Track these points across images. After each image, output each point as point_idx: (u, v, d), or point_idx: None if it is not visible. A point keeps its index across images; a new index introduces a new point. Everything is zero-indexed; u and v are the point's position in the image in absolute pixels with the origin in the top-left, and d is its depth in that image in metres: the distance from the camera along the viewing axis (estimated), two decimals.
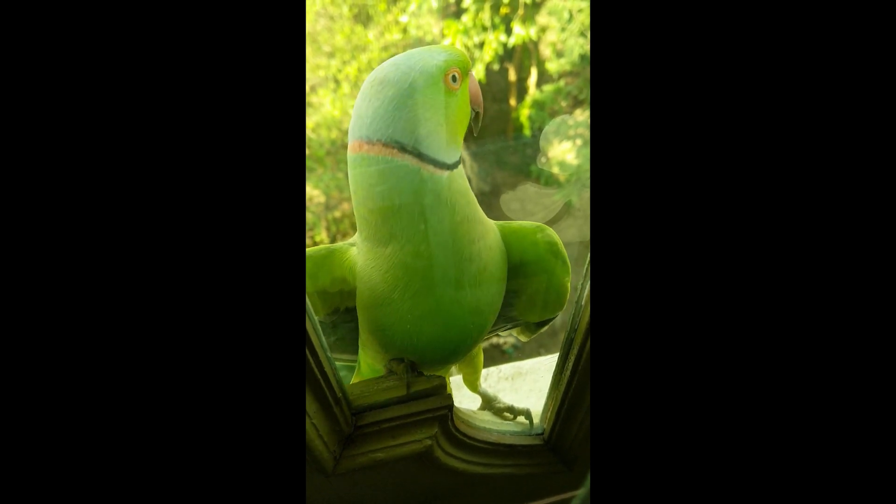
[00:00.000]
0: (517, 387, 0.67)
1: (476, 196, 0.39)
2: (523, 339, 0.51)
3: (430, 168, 0.34)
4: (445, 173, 0.35)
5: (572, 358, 0.42)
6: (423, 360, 0.43)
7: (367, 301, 0.39)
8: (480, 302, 0.40)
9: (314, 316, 0.35)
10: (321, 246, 0.40)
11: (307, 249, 0.40)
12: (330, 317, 0.43)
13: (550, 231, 0.44)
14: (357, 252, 0.39)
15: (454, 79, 0.35)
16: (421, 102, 0.33)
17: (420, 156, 0.33)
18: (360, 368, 0.48)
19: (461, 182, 0.36)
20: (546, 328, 0.49)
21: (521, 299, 0.44)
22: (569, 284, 0.44)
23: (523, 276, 0.43)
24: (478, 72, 2.85)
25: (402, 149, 0.33)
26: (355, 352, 0.48)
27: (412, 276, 0.37)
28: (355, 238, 0.40)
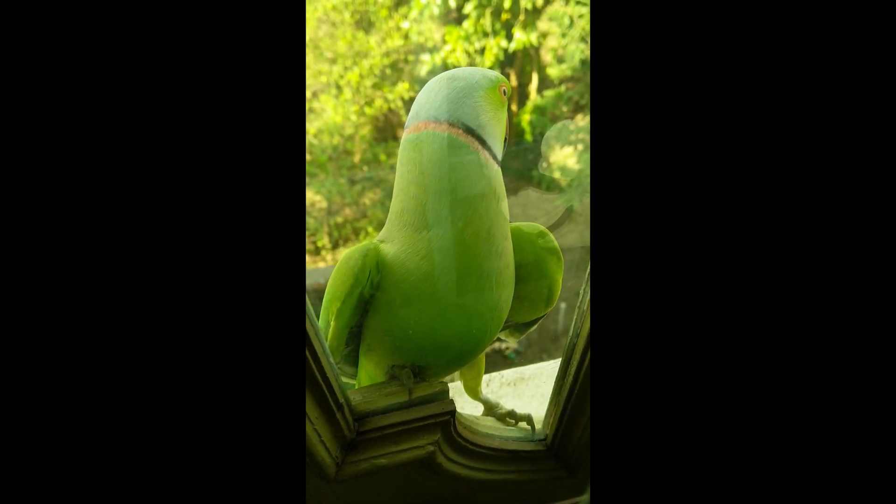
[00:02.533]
0: (519, 392, 0.67)
1: None
2: (512, 341, 0.51)
3: (487, 155, 0.37)
4: (496, 165, 0.38)
5: (574, 363, 0.42)
6: (437, 362, 0.43)
7: (393, 296, 0.39)
8: (500, 299, 0.41)
9: (316, 321, 0.35)
10: (360, 245, 0.40)
11: (348, 250, 0.40)
12: (357, 326, 0.43)
13: (548, 233, 0.44)
14: (388, 247, 0.39)
15: (504, 92, 0.40)
16: (484, 97, 0.38)
17: (481, 141, 0.37)
18: (360, 380, 0.48)
19: (501, 179, 0.39)
20: (536, 328, 0.50)
21: (518, 300, 0.44)
22: (561, 280, 0.46)
23: (523, 277, 0.43)
24: None
25: (468, 130, 0.36)
26: (356, 364, 0.48)
27: (449, 263, 0.37)
28: (384, 234, 0.40)
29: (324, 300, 0.42)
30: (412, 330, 0.40)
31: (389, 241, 0.39)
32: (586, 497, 0.39)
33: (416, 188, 0.37)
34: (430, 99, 0.38)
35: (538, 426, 0.50)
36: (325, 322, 0.41)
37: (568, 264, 0.46)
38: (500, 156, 0.39)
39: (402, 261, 0.38)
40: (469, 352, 0.44)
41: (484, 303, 0.40)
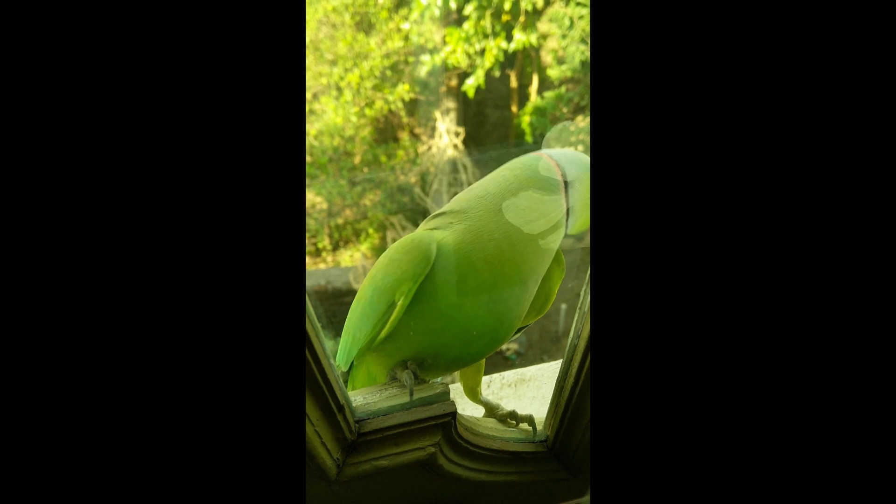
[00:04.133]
0: (520, 393, 0.67)
1: None
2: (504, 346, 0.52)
3: (564, 218, 0.42)
4: (564, 228, 0.43)
5: (575, 364, 0.42)
6: (453, 358, 0.44)
7: (440, 282, 0.40)
8: (529, 295, 0.43)
9: (316, 322, 0.35)
10: (421, 231, 0.41)
11: (407, 236, 0.41)
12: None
13: None
14: (442, 234, 0.41)
15: None
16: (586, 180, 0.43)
17: (568, 212, 0.42)
18: (355, 378, 0.49)
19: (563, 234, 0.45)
20: (537, 330, 0.51)
21: None
22: (557, 290, 0.48)
23: None
24: (479, 78, 2.87)
25: (565, 184, 0.42)
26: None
27: (513, 248, 0.40)
28: (440, 221, 0.42)
29: (381, 284, 0.42)
30: (447, 316, 0.41)
31: (455, 224, 0.41)
32: (587, 498, 0.39)
33: (493, 185, 0.41)
34: (567, 157, 0.42)
35: (539, 427, 0.50)
36: (385, 304, 0.42)
37: (568, 265, 0.47)
38: (568, 231, 0.43)
39: (467, 242, 0.40)
40: (492, 344, 0.44)
41: (519, 297, 0.42)
